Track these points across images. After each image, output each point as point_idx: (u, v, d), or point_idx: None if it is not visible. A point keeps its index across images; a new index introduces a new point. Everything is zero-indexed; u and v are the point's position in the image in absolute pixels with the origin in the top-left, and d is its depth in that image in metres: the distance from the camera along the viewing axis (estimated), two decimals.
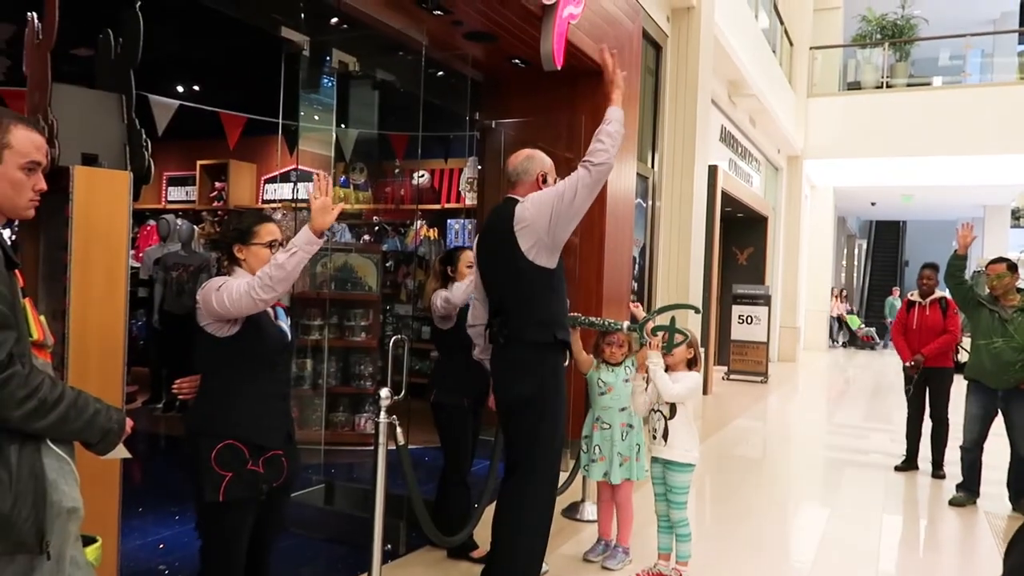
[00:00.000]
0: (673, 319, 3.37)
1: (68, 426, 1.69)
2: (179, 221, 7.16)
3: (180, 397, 2.47)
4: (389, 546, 3.58)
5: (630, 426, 3.67)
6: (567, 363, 3.25)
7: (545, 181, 2.91)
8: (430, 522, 3.18)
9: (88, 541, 1.84)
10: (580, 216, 2.78)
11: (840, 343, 19.24)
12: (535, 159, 2.95)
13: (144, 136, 2.64)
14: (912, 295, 6.00)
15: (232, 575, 2.34)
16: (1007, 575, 0.76)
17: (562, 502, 4.45)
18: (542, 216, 2.73)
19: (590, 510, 4.31)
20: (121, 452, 1.90)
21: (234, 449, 2.25)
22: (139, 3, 2.68)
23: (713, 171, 9.39)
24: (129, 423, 1.91)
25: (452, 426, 3.60)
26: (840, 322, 19.32)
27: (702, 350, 3.56)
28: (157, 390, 6.91)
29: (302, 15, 4.41)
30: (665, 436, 3.37)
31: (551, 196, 2.74)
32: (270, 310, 2.37)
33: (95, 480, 2.32)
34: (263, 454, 2.30)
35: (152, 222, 8.55)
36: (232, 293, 2.17)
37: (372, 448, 2.93)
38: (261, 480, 2.29)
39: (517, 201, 2.85)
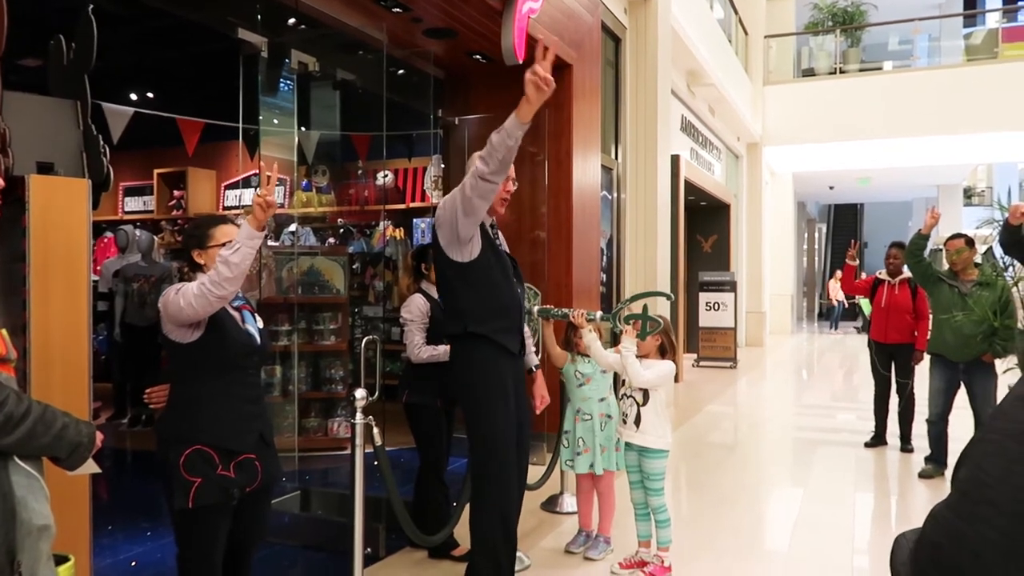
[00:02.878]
0: (645, 307, 3.39)
1: (36, 441, 1.65)
2: (138, 232, 7.00)
3: (151, 406, 2.44)
4: (369, 549, 3.54)
5: (608, 416, 3.70)
6: (532, 360, 3.34)
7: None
8: (410, 523, 3.16)
9: (60, 560, 1.79)
10: (475, 214, 2.72)
11: (859, 328, 17.65)
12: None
13: (102, 142, 2.57)
14: (880, 273, 6.12)
15: None
16: (958, 487, 0.78)
17: (540, 495, 4.46)
18: (448, 212, 2.77)
19: (569, 502, 4.33)
20: (91, 467, 1.85)
21: (203, 454, 2.23)
22: (91, 7, 2.61)
23: (675, 161, 9.48)
24: (100, 437, 1.86)
25: (425, 426, 3.59)
26: (852, 307, 17.85)
27: (674, 337, 3.58)
28: (121, 405, 6.76)
29: (259, 16, 4.34)
30: (637, 422, 3.39)
31: (455, 193, 2.77)
32: (235, 314, 2.36)
33: (64, 497, 2.26)
34: (234, 458, 2.28)
35: (109, 234, 8.35)
36: (187, 295, 2.18)
37: (346, 452, 2.90)
38: (232, 484, 2.27)
39: None
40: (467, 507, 3.00)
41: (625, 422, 3.44)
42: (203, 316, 2.22)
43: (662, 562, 3.44)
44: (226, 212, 8.67)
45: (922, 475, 5.18)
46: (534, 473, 4.26)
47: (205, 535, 2.28)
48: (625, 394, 3.46)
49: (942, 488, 4.96)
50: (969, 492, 0.76)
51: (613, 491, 3.75)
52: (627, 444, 3.49)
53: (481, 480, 2.87)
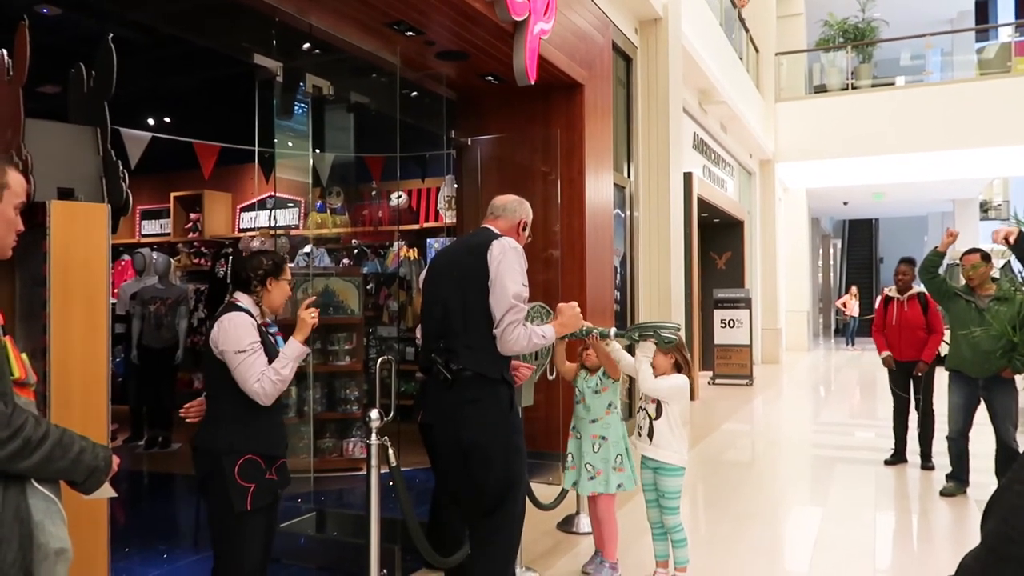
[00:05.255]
0: (657, 330, 3.38)
1: (53, 465, 1.66)
2: (155, 254, 7.08)
3: (188, 420, 2.64)
4: (385, 571, 3.52)
5: (603, 438, 3.62)
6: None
7: (525, 228, 2.98)
8: (426, 544, 3.14)
9: None
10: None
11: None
12: (524, 206, 3.00)
13: (121, 167, 2.61)
14: (889, 290, 6.07)
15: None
16: (985, 540, 0.76)
17: (557, 516, 4.43)
18: (495, 272, 2.68)
19: (585, 522, 4.29)
20: (107, 491, 1.86)
21: (253, 462, 2.49)
22: (111, 36, 2.66)
23: (688, 178, 9.48)
24: (116, 460, 1.87)
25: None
26: (867, 323, 18.05)
27: (688, 355, 3.56)
28: (138, 427, 6.80)
29: (274, 42, 4.40)
30: (650, 435, 3.38)
31: (504, 276, 2.66)
32: (272, 338, 2.65)
33: (82, 520, 2.27)
34: (275, 463, 2.57)
35: (127, 257, 8.45)
36: (248, 375, 2.45)
37: (361, 473, 2.90)
38: (277, 486, 2.58)
39: (496, 233, 2.84)
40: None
41: (640, 435, 3.44)
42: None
43: None
44: (242, 234, 8.76)
45: (943, 493, 5.10)
46: (550, 493, 4.25)
47: (259, 534, 2.55)
48: (640, 407, 3.45)
49: (964, 506, 4.88)
50: (996, 548, 0.75)
51: (612, 516, 3.68)
52: (643, 461, 3.48)
53: (506, 520, 2.79)
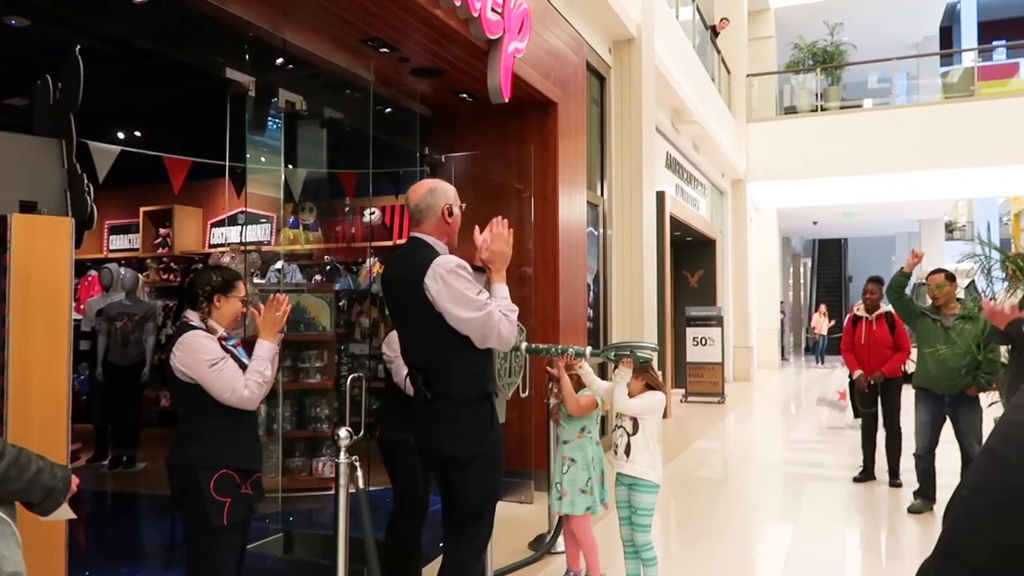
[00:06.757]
0: (633, 350, 3.40)
1: (9, 486, 1.61)
2: (122, 270, 6.96)
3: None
4: None
5: (572, 460, 3.64)
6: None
7: (451, 213, 2.70)
8: (376, 566, 3.03)
9: None
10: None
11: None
12: (437, 192, 2.71)
13: (86, 181, 2.57)
14: (858, 309, 6.16)
15: None
16: (938, 543, 0.78)
17: (528, 534, 4.40)
18: (443, 308, 2.51)
19: (559, 541, 4.27)
20: (66, 512, 1.81)
21: (228, 477, 2.49)
22: (78, 47, 2.63)
23: (661, 197, 9.57)
24: (75, 481, 1.82)
25: (398, 463, 3.54)
26: (835, 341, 18.23)
27: (659, 373, 3.58)
28: (102, 447, 6.65)
29: (247, 56, 4.38)
30: (627, 451, 3.38)
31: (454, 307, 2.49)
32: (233, 350, 2.61)
33: (39, 543, 2.21)
34: (250, 477, 2.57)
35: (93, 272, 8.30)
36: (228, 384, 2.45)
37: (331, 492, 2.86)
38: (253, 500, 2.59)
39: (425, 244, 2.67)
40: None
41: (616, 453, 3.43)
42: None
43: None
44: (212, 250, 8.65)
45: (911, 510, 5.15)
46: (521, 511, 4.22)
47: (233, 548, 2.57)
48: (617, 424, 3.45)
49: (931, 523, 4.93)
50: (945, 549, 0.76)
51: (587, 534, 3.67)
52: (618, 477, 3.47)
53: (480, 532, 2.73)
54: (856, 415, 9.28)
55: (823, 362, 18.85)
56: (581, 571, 3.72)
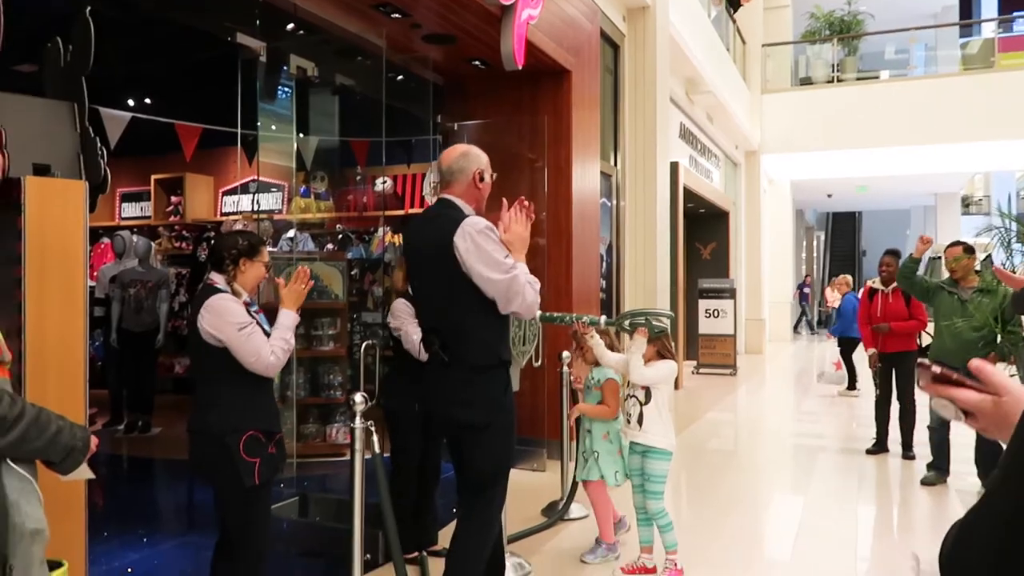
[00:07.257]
0: (648, 319, 3.41)
1: (29, 444, 1.62)
2: (135, 237, 6.97)
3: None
4: (368, 555, 3.50)
5: (588, 431, 3.72)
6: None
7: (482, 179, 2.70)
8: (397, 543, 3.04)
9: (54, 565, 1.76)
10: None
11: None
12: (470, 156, 2.70)
13: (99, 144, 2.55)
14: (873, 282, 6.10)
15: (269, 546, 2.73)
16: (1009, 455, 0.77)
17: (541, 501, 4.42)
18: (470, 267, 2.51)
19: (575, 509, 4.30)
20: (85, 472, 1.83)
21: (255, 438, 2.53)
22: (88, 8, 2.59)
23: (674, 168, 9.47)
24: (94, 441, 1.83)
25: (400, 431, 3.56)
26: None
27: (672, 343, 3.57)
28: (118, 412, 6.72)
29: (257, 21, 4.33)
30: (640, 421, 3.40)
31: (482, 268, 2.49)
32: (256, 316, 2.63)
33: (59, 502, 2.23)
34: (273, 438, 2.61)
35: (106, 239, 8.32)
36: (255, 348, 2.49)
37: (345, 458, 2.88)
38: (279, 460, 2.65)
39: (454, 206, 2.65)
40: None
41: (629, 422, 3.45)
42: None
43: (675, 565, 3.41)
44: (224, 218, 8.65)
45: (924, 482, 5.15)
46: (533, 479, 4.24)
47: (265, 506, 2.67)
48: (629, 394, 3.46)
49: (944, 496, 4.93)
50: (1003, 473, 0.76)
51: (603, 500, 3.72)
52: (631, 446, 3.49)
53: (493, 499, 2.73)
54: (851, 387, 9.34)
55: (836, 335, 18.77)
56: (617, 542, 3.76)
